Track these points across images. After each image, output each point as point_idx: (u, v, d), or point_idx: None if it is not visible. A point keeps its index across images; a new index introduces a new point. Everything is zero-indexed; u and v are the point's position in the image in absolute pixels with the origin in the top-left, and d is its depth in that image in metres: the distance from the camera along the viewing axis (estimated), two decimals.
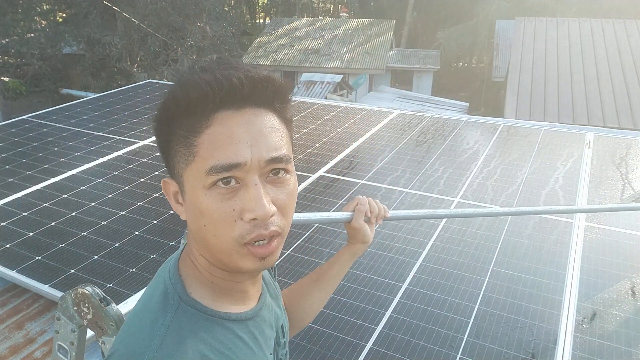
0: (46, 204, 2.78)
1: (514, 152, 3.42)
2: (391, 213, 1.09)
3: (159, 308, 0.63)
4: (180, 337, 0.61)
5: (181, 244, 0.73)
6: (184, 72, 0.63)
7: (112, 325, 0.99)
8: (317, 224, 2.45)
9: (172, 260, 0.71)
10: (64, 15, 13.60)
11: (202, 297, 0.67)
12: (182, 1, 12.45)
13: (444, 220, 2.56)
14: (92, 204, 2.78)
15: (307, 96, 12.59)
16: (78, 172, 3.20)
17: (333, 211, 1.02)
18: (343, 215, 1.02)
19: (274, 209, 0.63)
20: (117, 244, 2.39)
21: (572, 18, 12.60)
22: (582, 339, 1.76)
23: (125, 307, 1.94)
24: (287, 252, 2.28)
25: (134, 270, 2.18)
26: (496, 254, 2.27)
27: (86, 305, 1.00)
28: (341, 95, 14.24)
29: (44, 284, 2.10)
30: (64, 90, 12.60)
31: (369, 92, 16.55)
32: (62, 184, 3.04)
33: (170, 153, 0.65)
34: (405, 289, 2.04)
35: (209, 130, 0.61)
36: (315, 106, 4.51)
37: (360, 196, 1.03)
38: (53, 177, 3.13)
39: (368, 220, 1.01)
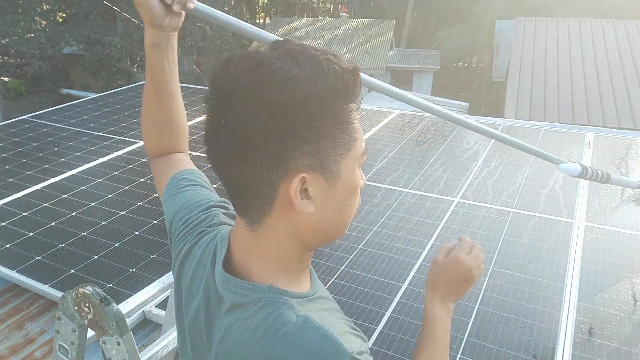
0: (46, 204, 2.78)
1: (514, 152, 3.42)
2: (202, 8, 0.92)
3: (288, 314, 0.63)
4: (322, 316, 0.63)
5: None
6: (310, 65, 0.60)
7: (112, 324, 0.99)
8: None
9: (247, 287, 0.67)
10: (64, 15, 13.60)
11: (297, 288, 0.69)
12: None
13: (444, 220, 2.56)
14: (92, 204, 2.78)
15: None
16: (78, 172, 3.20)
17: None
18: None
19: None
20: (117, 244, 2.39)
21: (572, 18, 12.60)
22: (582, 339, 1.76)
23: (126, 307, 1.94)
24: None
25: (134, 270, 2.18)
26: (496, 254, 2.27)
27: (87, 305, 1.00)
28: None
29: (44, 284, 2.10)
30: (64, 90, 12.60)
31: (369, 92, 16.57)
32: (62, 184, 3.04)
33: (321, 141, 0.61)
34: (405, 289, 2.04)
35: (358, 113, 0.66)
36: None
37: None
38: (53, 177, 3.13)
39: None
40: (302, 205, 0.63)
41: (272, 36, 0.97)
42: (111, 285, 2.09)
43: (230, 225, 0.80)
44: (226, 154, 0.62)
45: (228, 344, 0.65)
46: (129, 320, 1.91)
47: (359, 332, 0.67)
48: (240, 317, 0.65)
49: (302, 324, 0.61)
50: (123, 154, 3.49)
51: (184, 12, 0.89)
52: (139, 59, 13.07)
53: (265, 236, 0.66)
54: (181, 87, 5.49)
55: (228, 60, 0.62)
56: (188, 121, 3.58)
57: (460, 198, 2.80)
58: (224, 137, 0.62)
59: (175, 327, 0.85)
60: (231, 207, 0.85)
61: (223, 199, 0.88)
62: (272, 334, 0.61)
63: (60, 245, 2.38)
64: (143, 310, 1.97)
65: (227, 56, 0.64)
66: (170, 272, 1.35)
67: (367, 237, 2.41)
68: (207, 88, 0.64)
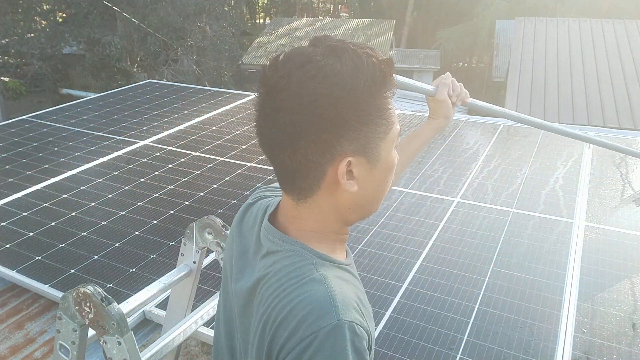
0: (46, 204, 2.78)
1: (514, 152, 3.42)
2: (470, 100, 1.20)
3: (309, 268, 0.70)
4: (338, 283, 0.70)
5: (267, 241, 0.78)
6: (351, 59, 0.67)
7: (113, 324, 0.99)
8: None
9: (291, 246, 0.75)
10: (64, 15, 13.59)
11: (328, 253, 0.76)
12: (182, 1, 12.45)
13: (444, 220, 2.56)
14: (92, 204, 2.78)
15: None
16: (78, 172, 3.20)
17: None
18: (429, 87, 1.12)
19: None
20: (117, 244, 2.39)
21: (572, 18, 12.59)
22: (582, 339, 1.76)
23: (126, 307, 1.94)
24: None
25: (134, 270, 2.18)
26: (496, 254, 2.27)
27: (87, 304, 1.00)
28: None
29: (44, 284, 2.10)
30: (64, 90, 12.60)
31: None
32: (62, 184, 3.04)
33: (364, 128, 0.69)
34: (405, 289, 2.04)
35: (392, 100, 0.73)
36: None
37: (446, 74, 1.15)
38: (53, 177, 3.13)
39: (449, 98, 1.12)
40: (347, 186, 0.71)
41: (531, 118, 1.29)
42: (111, 285, 2.09)
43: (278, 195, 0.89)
44: (280, 143, 0.69)
45: (253, 282, 0.74)
46: (129, 320, 1.91)
47: (366, 315, 0.70)
48: (270, 261, 0.73)
49: (317, 279, 0.68)
50: (123, 154, 3.49)
51: None
52: (139, 59, 13.07)
53: (309, 211, 0.74)
54: (181, 87, 5.47)
55: (276, 58, 0.70)
56: (188, 121, 3.60)
57: (460, 198, 2.80)
58: (278, 128, 0.68)
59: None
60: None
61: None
62: (289, 279, 0.69)
63: (60, 245, 2.38)
64: (143, 310, 1.97)
65: (275, 55, 0.71)
66: (171, 272, 1.35)
67: (367, 237, 2.41)
68: (259, 83, 0.72)
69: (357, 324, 0.64)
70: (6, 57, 12.06)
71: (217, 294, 1.34)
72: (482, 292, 2.01)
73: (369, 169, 0.72)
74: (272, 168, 3.35)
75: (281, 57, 0.70)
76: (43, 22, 12.43)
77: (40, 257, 2.28)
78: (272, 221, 0.79)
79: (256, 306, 0.72)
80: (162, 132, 3.88)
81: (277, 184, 0.87)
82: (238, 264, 0.82)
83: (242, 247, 0.83)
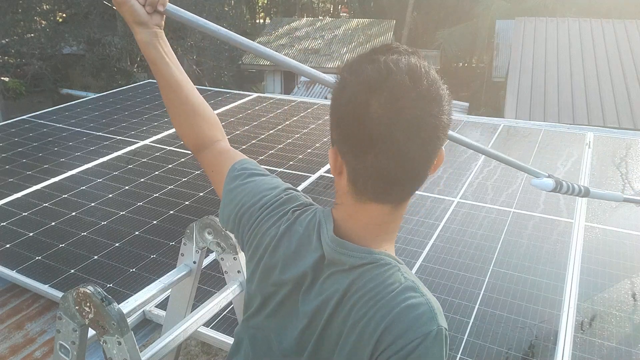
0: (46, 204, 2.78)
1: (514, 152, 3.42)
2: (170, 7, 0.97)
3: (398, 275, 0.74)
4: (425, 287, 0.75)
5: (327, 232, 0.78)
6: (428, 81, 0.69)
7: (113, 324, 0.99)
8: None
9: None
10: (64, 15, 13.60)
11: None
12: (182, 1, 12.46)
13: (444, 220, 2.56)
14: (92, 204, 2.78)
15: (307, 96, 12.60)
16: (78, 172, 3.20)
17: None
18: None
19: None
20: (117, 244, 2.39)
21: (572, 18, 12.60)
22: (582, 339, 1.76)
23: (126, 307, 1.94)
24: None
25: (134, 270, 2.18)
26: (496, 254, 2.27)
27: (87, 304, 1.00)
28: None
29: (44, 284, 2.10)
30: (64, 90, 12.61)
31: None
32: (62, 184, 3.05)
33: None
34: None
35: None
36: (315, 106, 4.51)
37: None
38: (53, 177, 3.13)
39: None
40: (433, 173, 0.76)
41: (242, 39, 1.00)
42: (111, 285, 2.09)
43: (312, 203, 0.89)
44: (400, 156, 0.69)
45: (335, 298, 0.74)
46: (129, 320, 1.91)
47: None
48: (358, 273, 0.74)
49: (410, 286, 0.72)
50: (123, 154, 3.49)
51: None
52: (139, 59, 13.07)
53: (400, 213, 0.78)
54: None
55: (396, 65, 0.68)
56: None
57: (460, 198, 2.80)
58: (406, 142, 0.68)
59: (242, 297, 0.95)
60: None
61: (287, 184, 0.94)
62: (385, 287, 0.71)
63: (60, 245, 2.38)
64: (143, 310, 1.97)
65: (393, 64, 0.68)
66: (171, 272, 1.35)
67: None
68: (382, 90, 0.67)
69: (447, 330, 0.71)
70: (6, 57, 12.06)
71: (217, 293, 1.34)
72: (482, 292, 2.01)
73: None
74: (272, 168, 3.31)
75: (402, 65, 0.68)
76: (43, 22, 12.44)
77: (40, 257, 2.28)
78: (337, 232, 0.78)
79: (348, 320, 0.73)
80: (162, 132, 3.88)
81: (297, 198, 0.89)
82: (291, 268, 0.81)
83: (291, 263, 0.82)
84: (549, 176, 1.42)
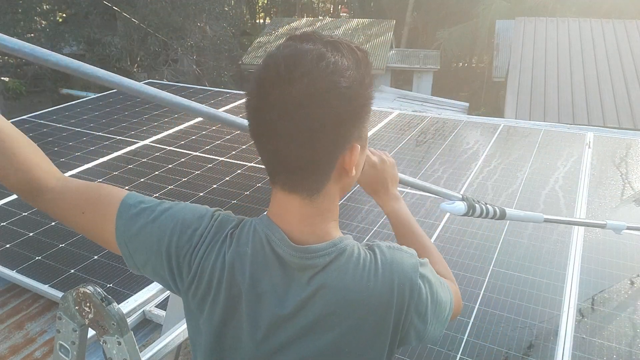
0: None
1: (514, 152, 3.42)
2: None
3: (365, 251, 0.79)
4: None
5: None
6: (350, 54, 0.72)
7: (113, 324, 0.99)
8: None
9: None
10: (64, 15, 13.60)
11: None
12: (182, 1, 12.45)
13: (444, 220, 2.56)
14: None
15: None
16: (78, 172, 3.20)
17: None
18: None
19: None
20: None
21: (572, 18, 12.60)
22: (582, 339, 1.76)
23: (126, 307, 1.94)
24: None
25: None
26: (496, 254, 2.27)
27: (87, 304, 1.00)
28: None
29: (44, 284, 2.10)
30: (64, 90, 12.59)
31: None
32: None
33: (366, 116, 0.76)
34: None
35: None
36: None
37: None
38: None
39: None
40: (352, 171, 0.76)
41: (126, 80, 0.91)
42: (111, 285, 2.09)
43: (242, 218, 0.84)
44: (298, 139, 0.69)
45: (326, 296, 0.75)
46: (129, 320, 1.91)
47: None
48: (334, 269, 0.75)
49: (385, 250, 0.79)
50: (123, 154, 3.49)
51: None
52: (138, 59, 13.07)
53: (323, 202, 0.77)
54: (181, 87, 5.47)
55: (285, 56, 0.69)
56: (188, 121, 3.61)
57: None
58: (297, 124, 0.68)
59: (184, 330, 0.90)
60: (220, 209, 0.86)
61: (208, 208, 0.85)
62: (370, 265, 0.76)
63: (60, 245, 2.38)
64: (143, 310, 1.97)
65: (276, 52, 0.71)
66: None
67: (367, 237, 2.41)
68: (263, 80, 0.70)
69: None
70: (6, 57, 12.05)
71: None
72: (482, 292, 2.01)
73: (362, 152, 0.79)
74: None
75: (286, 53, 0.70)
76: (43, 22, 12.43)
77: (40, 257, 2.28)
78: (289, 237, 0.76)
79: (347, 310, 0.75)
80: (162, 132, 3.88)
81: (227, 219, 0.82)
82: (255, 294, 0.77)
83: (256, 285, 0.77)
84: (463, 199, 1.33)
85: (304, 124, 0.68)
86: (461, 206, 1.31)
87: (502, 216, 1.41)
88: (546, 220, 1.60)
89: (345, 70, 0.69)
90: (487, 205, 1.36)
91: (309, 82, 0.67)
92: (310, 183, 0.74)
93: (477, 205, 1.33)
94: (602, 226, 1.89)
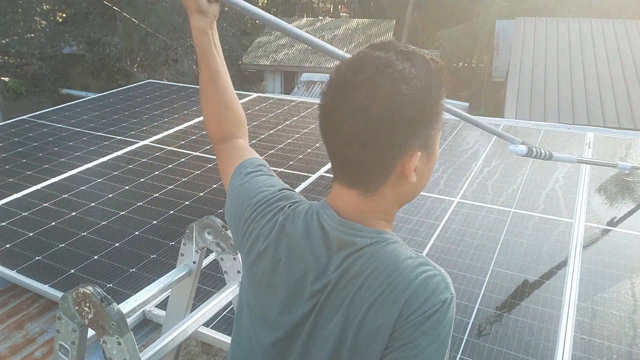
0: (46, 204, 2.78)
1: None
2: None
3: (407, 251, 0.80)
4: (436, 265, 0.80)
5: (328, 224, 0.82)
6: (422, 64, 0.75)
7: (113, 324, 0.99)
8: None
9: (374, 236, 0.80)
10: (64, 15, 13.60)
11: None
12: None
13: (444, 220, 2.56)
14: (92, 204, 2.78)
15: (308, 96, 12.59)
16: (78, 172, 3.20)
17: None
18: None
19: None
20: (117, 244, 2.39)
21: (572, 18, 12.59)
22: (582, 339, 1.76)
23: (126, 307, 1.93)
24: None
25: (134, 270, 2.18)
26: (496, 254, 2.27)
27: (87, 304, 1.00)
28: None
29: (44, 284, 2.10)
30: (64, 90, 12.61)
31: None
32: (62, 184, 3.04)
33: (431, 125, 0.77)
34: None
35: None
36: (316, 106, 4.51)
37: None
38: (53, 177, 3.13)
39: None
40: (412, 177, 0.78)
41: (293, 29, 1.11)
42: (111, 285, 2.09)
43: (305, 201, 0.92)
44: (358, 140, 0.74)
45: (352, 275, 0.77)
46: (129, 320, 1.92)
47: None
48: (369, 252, 0.78)
49: (423, 261, 0.77)
50: (123, 154, 3.49)
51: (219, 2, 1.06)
52: (139, 59, 13.07)
53: (378, 202, 0.80)
54: (181, 87, 5.47)
55: (353, 60, 0.76)
56: (188, 121, 3.61)
57: (460, 198, 2.80)
58: (359, 127, 0.73)
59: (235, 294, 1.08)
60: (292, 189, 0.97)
61: (286, 185, 0.98)
62: (401, 262, 0.76)
63: (60, 245, 2.38)
64: (143, 310, 1.97)
65: (350, 57, 0.78)
66: (171, 272, 1.35)
67: None
68: (333, 84, 0.76)
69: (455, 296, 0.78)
70: (6, 57, 12.06)
71: (217, 293, 1.34)
72: (482, 292, 2.01)
73: (427, 161, 0.80)
74: (272, 168, 3.35)
75: (356, 59, 0.75)
76: (43, 22, 12.44)
77: (40, 257, 2.28)
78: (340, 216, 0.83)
79: (368, 294, 0.76)
80: (162, 132, 3.88)
81: (280, 195, 0.91)
82: (294, 266, 0.83)
83: (297, 253, 0.84)
84: (522, 143, 1.62)
85: (365, 126, 0.73)
86: (523, 148, 1.59)
87: (550, 157, 1.88)
88: (579, 161, 2.26)
89: (411, 78, 0.72)
90: (540, 149, 1.74)
91: (372, 87, 0.72)
92: (367, 182, 0.78)
93: (533, 148, 1.67)
94: (614, 166, 2.52)
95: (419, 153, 0.77)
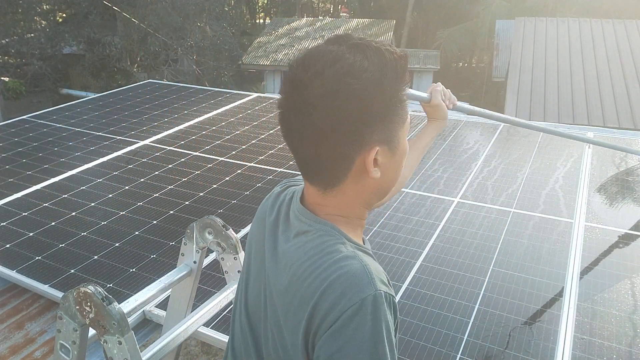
0: (46, 204, 2.78)
1: (514, 152, 3.42)
2: (459, 104, 1.31)
3: (340, 246, 0.76)
4: (369, 259, 0.76)
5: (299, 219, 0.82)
6: (376, 56, 0.72)
7: (114, 324, 0.99)
8: None
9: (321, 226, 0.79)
10: (64, 15, 13.60)
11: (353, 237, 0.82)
12: (182, 1, 12.45)
13: (444, 220, 2.56)
14: (92, 204, 2.78)
15: None
16: (78, 172, 3.20)
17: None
18: (423, 94, 1.22)
19: None
20: (117, 244, 2.39)
21: (572, 18, 12.59)
22: (582, 339, 1.76)
23: (126, 306, 1.93)
24: None
25: (134, 270, 2.18)
26: (496, 254, 2.27)
27: (88, 304, 1.00)
28: None
29: (44, 284, 2.10)
30: (64, 90, 12.61)
31: None
32: (62, 184, 3.05)
33: (388, 119, 0.75)
34: (405, 289, 2.04)
35: None
36: None
37: (437, 83, 1.26)
38: (53, 177, 3.13)
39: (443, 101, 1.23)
40: (373, 173, 0.76)
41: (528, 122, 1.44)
42: (111, 285, 2.09)
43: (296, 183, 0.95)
44: (311, 138, 0.73)
45: (286, 262, 0.78)
46: (129, 320, 1.92)
47: (392, 288, 0.77)
48: (301, 241, 0.78)
49: (350, 255, 0.73)
50: (123, 154, 3.49)
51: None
52: (139, 59, 13.07)
53: (335, 198, 0.79)
54: (181, 87, 5.47)
55: (303, 57, 0.74)
56: (188, 120, 3.62)
57: (460, 198, 2.80)
58: (310, 124, 0.72)
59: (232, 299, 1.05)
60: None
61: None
62: (323, 255, 0.73)
63: (60, 245, 2.38)
64: (143, 310, 1.97)
65: (300, 54, 0.75)
66: (171, 272, 1.35)
67: (367, 237, 2.41)
68: (286, 82, 0.75)
69: (392, 295, 0.72)
70: (6, 57, 12.06)
71: (217, 293, 1.34)
72: (482, 292, 2.01)
73: (391, 155, 0.78)
74: (272, 168, 3.32)
75: (307, 55, 0.74)
76: (43, 22, 12.44)
77: (40, 257, 2.28)
78: (302, 201, 0.84)
79: (291, 286, 0.75)
80: (162, 132, 3.88)
81: (299, 177, 0.91)
82: (270, 245, 0.85)
83: (273, 231, 0.86)
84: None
85: (315, 123, 0.71)
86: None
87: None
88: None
89: (362, 72, 0.70)
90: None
91: (320, 83, 0.70)
92: (324, 179, 0.78)
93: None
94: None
95: (377, 148, 0.74)
